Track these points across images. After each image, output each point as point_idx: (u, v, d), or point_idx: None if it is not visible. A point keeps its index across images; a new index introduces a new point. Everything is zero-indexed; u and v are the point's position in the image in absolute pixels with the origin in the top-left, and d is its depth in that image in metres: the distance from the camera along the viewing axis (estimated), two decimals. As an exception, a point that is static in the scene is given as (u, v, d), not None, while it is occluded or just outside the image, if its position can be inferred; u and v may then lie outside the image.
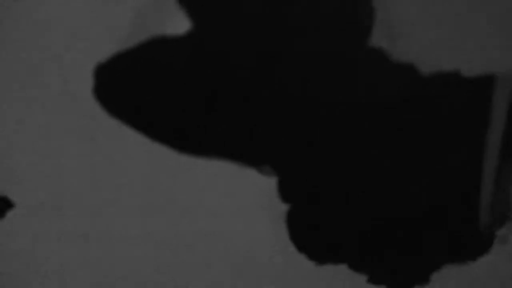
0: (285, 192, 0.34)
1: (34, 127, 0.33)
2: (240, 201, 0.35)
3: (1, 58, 0.33)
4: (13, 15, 0.32)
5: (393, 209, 0.40)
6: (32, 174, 0.33)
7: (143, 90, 0.33)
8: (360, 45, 0.32)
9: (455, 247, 0.41)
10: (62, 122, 0.34)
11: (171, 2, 0.32)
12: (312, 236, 0.38)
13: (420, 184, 0.39)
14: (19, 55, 0.33)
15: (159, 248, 0.36)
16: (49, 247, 0.35)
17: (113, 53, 0.32)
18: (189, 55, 0.32)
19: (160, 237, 0.36)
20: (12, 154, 0.34)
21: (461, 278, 0.49)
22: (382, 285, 0.40)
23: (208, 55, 0.33)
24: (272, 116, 0.34)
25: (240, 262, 0.42)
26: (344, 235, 0.39)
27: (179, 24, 0.33)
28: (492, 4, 0.30)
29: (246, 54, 0.32)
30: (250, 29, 0.32)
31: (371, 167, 0.37)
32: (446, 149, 0.35)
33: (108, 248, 0.35)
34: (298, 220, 0.36)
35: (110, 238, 0.35)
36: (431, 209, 0.40)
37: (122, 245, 0.36)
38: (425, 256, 0.40)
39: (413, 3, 0.31)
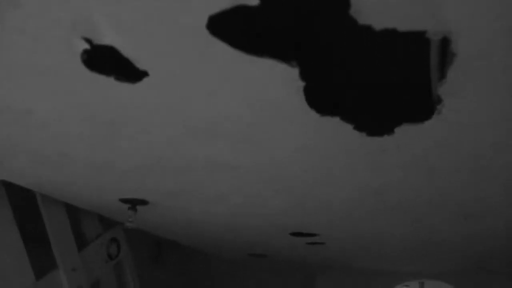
0: (303, 75, 0.51)
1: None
2: (279, 76, 0.53)
3: None
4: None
5: (377, 80, 0.57)
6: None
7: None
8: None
9: (412, 112, 0.59)
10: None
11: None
12: (317, 98, 0.56)
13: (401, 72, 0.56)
14: None
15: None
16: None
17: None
18: None
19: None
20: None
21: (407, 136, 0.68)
22: (363, 131, 0.59)
23: None
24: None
25: (270, 109, 0.63)
26: (339, 98, 0.56)
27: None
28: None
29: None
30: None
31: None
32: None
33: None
34: (310, 90, 0.54)
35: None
36: (400, 87, 0.57)
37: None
38: (392, 115, 0.58)
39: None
